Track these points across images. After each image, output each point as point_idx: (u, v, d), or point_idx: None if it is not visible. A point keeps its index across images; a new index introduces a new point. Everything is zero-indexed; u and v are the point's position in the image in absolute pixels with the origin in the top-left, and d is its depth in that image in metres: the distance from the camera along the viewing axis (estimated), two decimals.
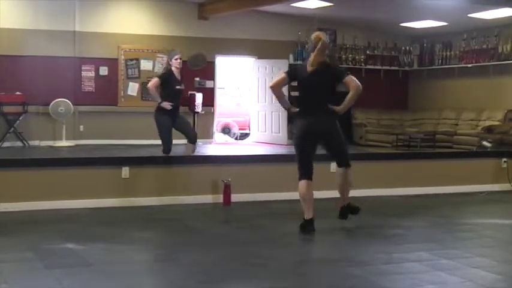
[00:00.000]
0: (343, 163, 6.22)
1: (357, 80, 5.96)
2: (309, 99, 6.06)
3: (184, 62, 8.90)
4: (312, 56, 5.98)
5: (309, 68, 6.00)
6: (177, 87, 8.53)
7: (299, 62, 14.90)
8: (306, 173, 6.06)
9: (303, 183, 6.06)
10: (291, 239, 5.91)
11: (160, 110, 8.48)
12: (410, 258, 5.10)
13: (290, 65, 14.66)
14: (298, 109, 6.13)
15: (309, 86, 6.05)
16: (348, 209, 6.33)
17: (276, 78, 6.18)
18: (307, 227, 5.99)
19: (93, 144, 13.08)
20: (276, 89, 6.12)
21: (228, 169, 7.77)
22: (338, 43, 14.84)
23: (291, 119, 6.31)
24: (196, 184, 7.64)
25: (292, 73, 6.25)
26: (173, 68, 8.62)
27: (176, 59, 8.58)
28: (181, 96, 8.77)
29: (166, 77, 8.65)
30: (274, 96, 6.45)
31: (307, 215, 6.02)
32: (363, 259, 5.10)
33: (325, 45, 6.02)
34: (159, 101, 8.47)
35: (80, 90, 13.46)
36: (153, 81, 8.60)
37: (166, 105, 8.42)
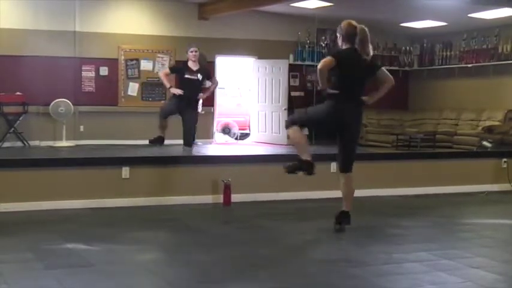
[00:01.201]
0: (346, 165, 6.05)
1: (388, 73, 5.99)
2: (351, 86, 5.93)
3: (201, 65, 9.12)
4: (360, 45, 5.86)
5: (363, 55, 5.87)
6: (187, 75, 8.82)
7: (299, 62, 14.94)
8: (299, 122, 5.96)
9: (296, 129, 5.93)
10: (291, 239, 5.91)
11: (171, 96, 9.04)
12: (411, 258, 5.10)
13: (290, 65, 14.69)
14: (335, 91, 5.88)
15: (355, 74, 5.91)
16: (345, 216, 6.11)
17: (324, 61, 5.86)
18: (302, 165, 5.89)
19: (93, 144, 13.08)
20: (324, 71, 5.82)
21: (228, 169, 7.77)
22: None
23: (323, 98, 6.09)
24: (196, 184, 7.63)
25: (338, 57, 5.93)
26: (189, 61, 9.03)
27: (192, 52, 9.03)
28: (196, 86, 8.99)
29: (178, 67, 9.36)
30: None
31: (306, 157, 5.91)
32: (363, 259, 5.10)
33: (365, 31, 5.91)
34: (167, 86, 9.05)
35: (80, 91, 13.46)
36: (164, 70, 9.45)
37: (175, 90, 8.88)
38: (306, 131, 6.21)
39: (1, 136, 12.69)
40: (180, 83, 9.01)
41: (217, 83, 9.71)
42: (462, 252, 5.32)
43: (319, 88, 6.07)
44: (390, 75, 6.07)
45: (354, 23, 5.97)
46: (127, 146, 12.73)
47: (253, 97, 15.34)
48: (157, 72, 13.84)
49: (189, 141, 8.94)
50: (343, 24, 6.02)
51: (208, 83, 9.48)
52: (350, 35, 5.91)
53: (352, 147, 6.11)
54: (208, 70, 9.40)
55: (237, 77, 17.83)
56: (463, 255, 5.20)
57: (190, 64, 8.95)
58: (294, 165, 6.01)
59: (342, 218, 6.10)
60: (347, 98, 5.93)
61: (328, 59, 5.86)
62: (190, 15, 14.11)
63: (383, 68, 6.08)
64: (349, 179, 6.09)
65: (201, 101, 9.54)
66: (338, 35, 6.09)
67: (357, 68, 5.90)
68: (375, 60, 6.24)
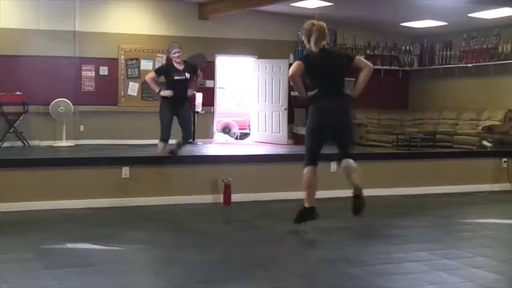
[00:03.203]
0: (344, 154, 6.05)
1: (366, 60, 6.05)
2: (326, 83, 5.98)
3: (185, 62, 9.05)
4: (313, 43, 5.89)
5: (315, 52, 5.93)
6: (176, 77, 8.73)
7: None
8: (312, 161, 6.03)
9: (309, 170, 6.00)
10: (290, 239, 5.91)
11: (162, 99, 8.83)
12: (410, 258, 5.10)
13: (290, 65, 14.70)
14: (313, 92, 5.96)
15: (324, 71, 5.97)
16: (357, 201, 6.18)
17: (292, 68, 5.95)
18: (306, 215, 5.97)
19: (93, 144, 13.07)
20: (295, 77, 5.91)
21: (228, 169, 7.77)
22: (338, 43, 14.83)
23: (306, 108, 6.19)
24: (196, 184, 7.63)
25: (306, 59, 6.05)
26: (173, 62, 8.90)
27: (174, 53, 8.87)
28: (186, 85, 8.87)
29: (164, 69, 9.15)
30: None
31: (308, 203, 5.99)
32: (362, 259, 5.10)
33: (322, 29, 5.93)
34: (156, 91, 8.87)
35: (80, 90, 13.45)
36: (149, 74, 9.16)
37: (166, 93, 8.77)
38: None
39: (1, 136, 12.69)
40: (169, 84, 8.86)
41: (200, 74, 9.46)
42: (462, 252, 5.32)
43: (300, 95, 6.10)
44: (368, 62, 6.10)
45: (314, 22, 6.02)
46: (127, 146, 12.73)
47: (253, 97, 15.34)
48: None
49: (189, 133, 8.88)
50: (305, 25, 6.07)
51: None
52: (310, 34, 5.94)
53: (347, 134, 6.11)
54: (193, 65, 9.29)
55: (237, 76, 17.83)
56: (463, 255, 5.20)
57: (176, 64, 8.84)
58: (299, 214, 6.07)
59: (355, 205, 6.16)
60: (326, 95, 5.95)
61: (296, 63, 5.97)
62: (190, 15, 14.10)
63: (358, 57, 6.14)
64: (350, 168, 6.03)
65: (200, 100, 9.49)
66: (303, 37, 6.11)
67: (325, 64, 5.94)
68: (346, 53, 6.32)
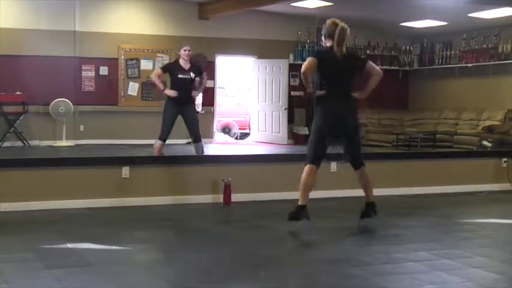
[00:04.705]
0: (356, 160, 6.19)
1: (377, 66, 6.12)
2: (337, 84, 6.01)
3: (191, 63, 9.05)
4: (335, 43, 5.90)
5: (338, 54, 5.94)
6: (180, 75, 8.77)
7: (299, 62, 14.93)
8: (316, 159, 6.04)
9: (310, 168, 6.01)
10: (291, 239, 5.91)
11: (167, 98, 8.89)
12: (410, 258, 5.10)
13: (290, 65, 14.70)
14: (323, 92, 5.99)
15: (338, 72, 5.99)
16: (370, 208, 6.29)
17: (306, 63, 5.94)
18: (299, 214, 5.97)
19: (93, 144, 13.09)
20: (308, 73, 5.91)
21: (228, 169, 7.76)
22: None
23: (311, 105, 6.23)
24: (196, 184, 7.63)
25: (319, 56, 6.07)
26: (180, 59, 8.95)
27: (185, 50, 8.94)
28: (189, 85, 8.88)
29: (169, 66, 9.30)
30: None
31: (302, 201, 6.00)
32: (363, 259, 5.10)
33: (344, 31, 5.95)
34: (162, 88, 8.92)
35: (80, 90, 13.48)
36: (155, 71, 9.43)
37: (170, 92, 8.80)
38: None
39: (1, 136, 12.70)
40: (173, 83, 8.90)
41: (206, 78, 9.45)
42: (462, 252, 5.31)
43: (308, 90, 6.13)
44: (378, 68, 6.17)
45: (336, 21, 6.03)
46: (127, 146, 12.74)
47: (253, 97, 15.36)
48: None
49: (197, 137, 8.93)
50: (327, 22, 6.08)
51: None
52: (331, 33, 5.95)
53: (355, 142, 6.20)
54: (199, 67, 9.32)
55: (237, 76, 17.84)
56: (463, 255, 5.20)
57: (182, 63, 8.88)
58: (293, 213, 6.07)
59: (368, 209, 6.27)
60: (335, 97, 5.99)
61: (309, 59, 5.96)
62: (190, 15, 14.12)
63: (370, 62, 6.17)
64: (363, 172, 6.26)
65: (200, 100, 9.48)
66: (322, 33, 6.13)
67: (339, 64, 5.94)
68: (359, 55, 6.33)
